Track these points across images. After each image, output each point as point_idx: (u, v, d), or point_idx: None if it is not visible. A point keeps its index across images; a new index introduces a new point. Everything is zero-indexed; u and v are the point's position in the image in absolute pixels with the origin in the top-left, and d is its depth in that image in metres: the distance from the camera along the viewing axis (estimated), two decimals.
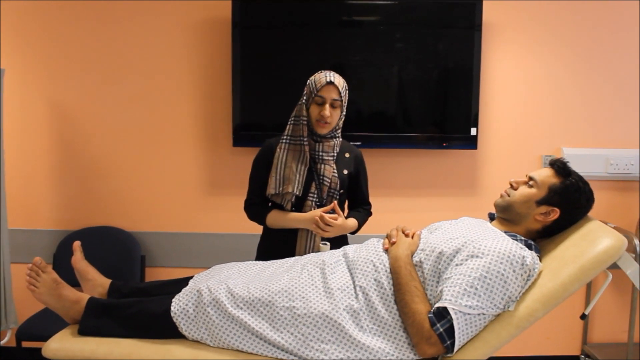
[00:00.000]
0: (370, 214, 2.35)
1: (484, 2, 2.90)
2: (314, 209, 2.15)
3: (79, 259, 1.93)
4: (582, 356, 3.22)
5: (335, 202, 2.13)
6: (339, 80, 2.12)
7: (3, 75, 2.74)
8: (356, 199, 2.32)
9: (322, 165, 2.16)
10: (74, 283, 1.87)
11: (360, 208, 2.32)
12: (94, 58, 3.04)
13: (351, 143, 2.36)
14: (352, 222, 2.22)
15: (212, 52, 3.02)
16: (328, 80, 2.09)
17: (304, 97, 2.16)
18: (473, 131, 2.98)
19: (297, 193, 2.12)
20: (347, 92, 2.18)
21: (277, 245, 2.19)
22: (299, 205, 2.17)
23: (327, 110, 2.10)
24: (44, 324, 2.72)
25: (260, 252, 2.31)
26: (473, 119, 2.97)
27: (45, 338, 1.75)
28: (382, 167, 3.05)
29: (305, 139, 2.14)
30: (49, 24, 3.02)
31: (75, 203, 3.14)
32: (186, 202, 3.13)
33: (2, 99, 2.75)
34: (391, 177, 3.08)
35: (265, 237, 2.30)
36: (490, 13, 2.96)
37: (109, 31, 3.02)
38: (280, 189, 2.13)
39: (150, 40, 3.03)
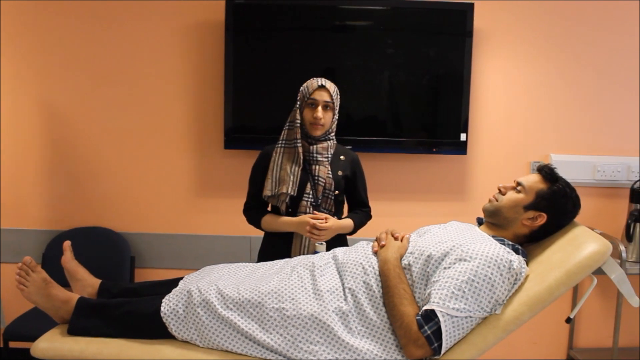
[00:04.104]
0: (369, 216, 2.39)
1: (476, 9, 2.93)
2: (310, 209, 2.21)
3: (69, 259, 1.93)
4: None
5: (316, 211, 2.21)
6: (329, 84, 2.22)
7: None
8: (354, 201, 2.37)
9: (317, 166, 2.22)
10: (64, 283, 1.87)
11: (357, 210, 2.36)
12: (86, 59, 3.04)
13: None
14: (347, 222, 2.27)
15: (204, 55, 3.03)
16: (319, 84, 2.19)
17: (298, 102, 2.24)
18: (463, 137, 3.00)
19: (292, 193, 2.18)
20: (339, 96, 2.26)
21: (277, 247, 2.25)
22: (295, 206, 2.22)
23: (320, 112, 2.18)
24: (32, 325, 2.71)
25: (261, 253, 2.36)
26: (463, 125, 3.00)
27: (32, 338, 1.74)
28: (372, 171, 3.06)
29: (298, 141, 2.20)
30: (42, 24, 3.01)
31: (65, 203, 3.13)
32: (177, 204, 3.13)
33: None
34: (381, 181, 3.10)
35: (266, 240, 2.36)
36: (481, 20, 2.99)
37: (101, 33, 3.02)
38: (276, 190, 2.19)
39: (143, 43, 3.03)
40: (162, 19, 3.01)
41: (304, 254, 2.19)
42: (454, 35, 2.96)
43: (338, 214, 2.30)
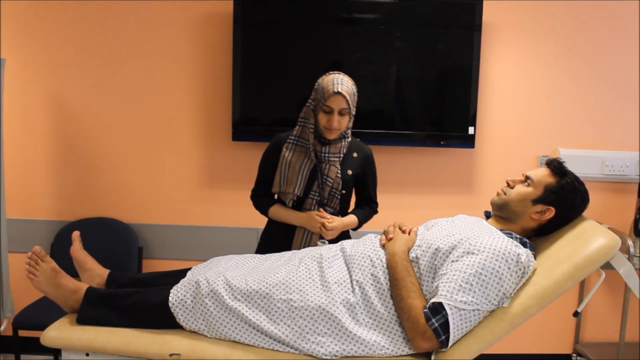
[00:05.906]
0: (375, 212, 2.37)
1: (484, 3, 2.91)
2: (315, 207, 2.20)
3: (77, 249, 1.95)
4: (574, 355, 3.24)
5: (321, 209, 2.19)
6: (346, 88, 2.08)
7: (4, 65, 2.74)
8: (362, 197, 2.36)
9: (327, 166, 2.19)
10: (72, 273, 1.88)
11: (364, 206, 2.35)
12: (94, 50, 3.04)
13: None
14: (352, 219, 2.26)
15: (213, 47, 3.03)
16: (335, 90, 2.05)
17: (312, 102, 2.15)
18: (471, 130, 2.99)
19: (298, 194, 2.17)
20: (356, 95, 2.15)
21: (278, 237, 2.25)
22: (300, 202, 2.22)
23: (335, 121, 2.09)
24: (41, 314, 2.73)
25: (262, 241, 2.36)
26: (471, 118, 2.99)
27: (41, 327, 1.76)
28: (379, 164, 3.03)
29: (310, 145, 2.16)
30: (50, 15, 3.02)
31: (74, 194, 3.14)
32: (184, 195, 3.14)
33: (2, 89, 2.75)
34: (389, 174, 3.09)
35: (268, 229, 2.35)
36: (490, 13, 2.97)
37: (110, 24, 3.02)
38: (283, 188, 2.18)
39: (151, 34, 3.03)
40: (171, 10, 3.01)
41: (305, 246, 2.18)
42: (462, 29, 2.95)
43: (342, 212, 2.28)
